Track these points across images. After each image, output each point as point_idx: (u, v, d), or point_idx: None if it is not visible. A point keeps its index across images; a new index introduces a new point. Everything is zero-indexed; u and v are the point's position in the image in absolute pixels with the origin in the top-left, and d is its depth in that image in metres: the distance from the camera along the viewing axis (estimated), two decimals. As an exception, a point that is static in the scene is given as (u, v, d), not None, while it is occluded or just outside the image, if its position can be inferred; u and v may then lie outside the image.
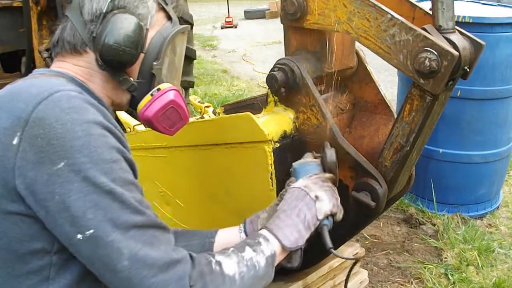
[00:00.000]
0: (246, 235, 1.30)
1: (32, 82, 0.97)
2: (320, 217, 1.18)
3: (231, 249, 1.09)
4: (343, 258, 1.42)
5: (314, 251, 1.25)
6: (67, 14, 1.09)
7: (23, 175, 0.88)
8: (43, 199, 0.88)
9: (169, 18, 1.17)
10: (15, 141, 0.88)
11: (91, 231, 0.88)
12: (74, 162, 0.87)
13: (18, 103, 0.91)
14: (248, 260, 1.06)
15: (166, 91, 1.11)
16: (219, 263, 1.03)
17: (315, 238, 1.21)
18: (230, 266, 1.03)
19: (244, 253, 1.07)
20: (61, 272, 0.95)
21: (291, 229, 1.14)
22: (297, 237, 1.14)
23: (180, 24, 1.20)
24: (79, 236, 0.88)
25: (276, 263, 1.12)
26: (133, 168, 1.00)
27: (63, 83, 0.99)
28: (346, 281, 1.42)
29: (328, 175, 1.27)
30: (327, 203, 1.20)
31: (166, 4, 1.16)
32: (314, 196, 1.19)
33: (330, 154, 1.28)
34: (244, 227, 1.32)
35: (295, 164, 1.32)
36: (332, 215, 1.22)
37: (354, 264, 1.33)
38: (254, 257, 1.07)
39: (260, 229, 1.18)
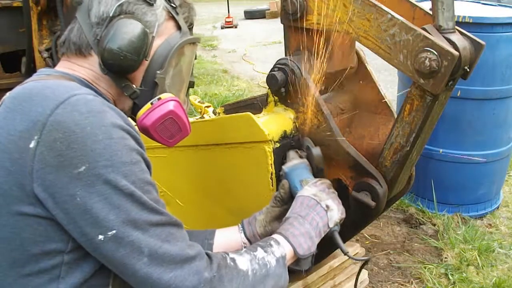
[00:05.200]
0: (245, 235, 1.33)
1: (46, 84, 0.96)
2: (331, 225, 1.24)
3: (244, 249, 1.14)
4: (357, 259, 1.47)
5: (317, 253, 1.26)
6: (76, 16, 1.08)
7: (41, 178, 0.88)
8: (63, 201, 0.89)
9: (178, 27, 1.14)
10: (32, 145, 0.88)
11: (113, 231, 0.90)
12: (95, 166, 0.88)
13: (34, 106, 0.90)
14: (260, 259, 1.10)
15: (167, 101, 1.09)
16: (233, 259, 1.07)
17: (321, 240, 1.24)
18: (244, 262, 1.08)
19: (256, 252, 1.11)
20: (71, 271, 0.95)
21: (304, 237, 1.18)
22: (310, 245, 1.19)
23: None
24: (101, 237, 0.90)
25: (287, 265, 1.16)
26: (149, 168, 1.01)
27: (77, 86, 0.98)
28: (356, 281, 1.43)
29: (329, 181, 1.31)
30: (336, 212, 1.25)
31: (177, 14, 1.14)
32: (325, 206, 1.24)
33: (316, 152, 1.31)
34: (243, 227, 1.34)
35: (284, 167, 1.35)
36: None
37: (365, 264, 1.35)
38: (265, 257, 1.11)
39: (274, 234, 1.21)
